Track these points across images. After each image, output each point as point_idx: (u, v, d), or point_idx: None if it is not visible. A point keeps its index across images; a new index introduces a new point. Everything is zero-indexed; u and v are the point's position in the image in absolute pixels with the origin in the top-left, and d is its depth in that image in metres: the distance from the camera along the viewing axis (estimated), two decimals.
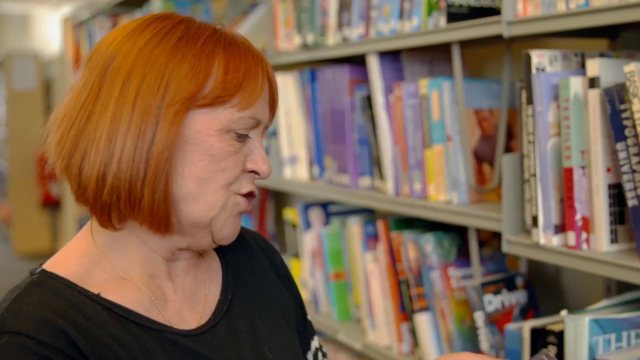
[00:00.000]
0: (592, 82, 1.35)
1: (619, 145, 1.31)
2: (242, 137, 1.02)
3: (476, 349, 1.79)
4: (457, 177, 1.76)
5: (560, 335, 1.41)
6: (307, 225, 2.42)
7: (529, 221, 1.51)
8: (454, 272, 1.90)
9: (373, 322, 2.11)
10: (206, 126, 0.99)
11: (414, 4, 1.81)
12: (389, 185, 1.95)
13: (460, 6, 1.71)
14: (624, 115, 1.30)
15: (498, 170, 1.70)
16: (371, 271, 2.09)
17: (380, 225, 2.04)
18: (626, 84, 1.26)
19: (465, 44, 1.80)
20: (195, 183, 1.00)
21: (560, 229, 1.45)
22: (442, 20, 1.72)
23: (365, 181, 2.10)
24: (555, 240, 1.45)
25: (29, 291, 0.98)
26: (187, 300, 1.08)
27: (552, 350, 1.44)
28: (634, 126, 1.26)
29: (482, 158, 1.79)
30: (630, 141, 1.29)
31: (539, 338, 1.47)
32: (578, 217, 1.40)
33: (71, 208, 5.95)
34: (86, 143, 0.97)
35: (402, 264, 1.95)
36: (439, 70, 2.02)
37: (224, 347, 1.06)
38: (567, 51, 1.49)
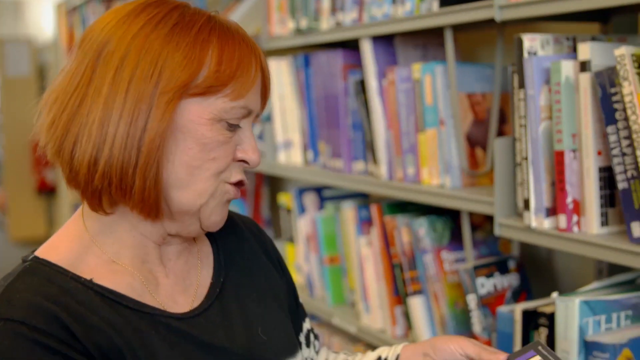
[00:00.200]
0: (583, 66, 1.36)
1: (610, 129, 1.32)
2: (233, 127, 1.03)
3: (469, 332, 1.80)
4: (450, 161, 1.77)
5: (551, 317, 1.42)
6: (302, 209, 2.43)
7: (520, 204, 1.52)
8: (447, 256, 1.91)
9: (367, 306, 2.12)
10: (198, 115, 1.00)
11: None
12: (383, 169, 1.96)
13: None
14: (614, 98, 1.30)
15: (490, 154, 1.70)
16: (365, 255, 2.10)
17: (374, 210, 2.04)
18: (617, 68, 1.27)
19: (458, 28, 1.80)
20: (186, 171, 1.00)
21: (552, 212, 1.46)
22: (435, 5, 1.72)
23: (359, 165, 2.10)
24: (547, 223, 1.46)
25: (21, 278, 0.98)
26: (179, 284, 1.09)
27: (543, 331, 1.45)
28: (624, 109, 1.27)
29: (475, 142, 1.79)
30: (620, 124, 1.30)
31: (531, 320, 1.49)
32: (569, 200, 1.41)
33: (66, 194, 5.94)
34: (78, 128, 0.97)
35: (396, 247, 1.96)
36: (432, 54, 2.02)
37: (217, 329, 1.07)
38: (559, 35, 1.50)
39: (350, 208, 2.17)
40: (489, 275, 1.76)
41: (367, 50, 1.95)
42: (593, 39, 1.48)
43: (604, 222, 1.39)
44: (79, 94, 0.98)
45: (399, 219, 1.95)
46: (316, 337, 1.34)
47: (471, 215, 1.86)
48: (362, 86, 2.02)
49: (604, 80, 1.32)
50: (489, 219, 1.82)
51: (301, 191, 2.44)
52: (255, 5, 2.86)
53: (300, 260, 2.46)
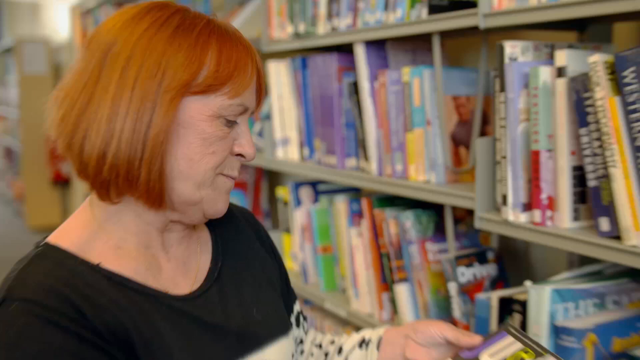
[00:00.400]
0: (560, 72, 1.36)
1: (583, 131, 1.33)
2: (230, 123, 1.04)
3: (449, 317, 1.81)
4: (436, 158, 1.78)
5: (524, 304, 1.44)
6: (298, 202, 2.43)
7: (499, 200, 1.52)
8: (431, 247, 1.92)
9: (356, 292, 2.12)
10: (199, 112, 1.00)
11: None
12: (373, 165, 1.96)
13: None
14: (587, 102, 1.31)
15: (473, 153, 1.71)
16: (355, 245, 2.10)
17: (364, 203, 2.05)
18: (590, 74, 1.27)
19: (445, 35, 1.80)
20: (187, 164, 1.01)
21: (528, 207, 1.47)
22: (424, 12, 1.72)
23: (351, 162, 2.11)
24: (523, 218, 1.47)
25: (34, 262, 0.99)
26: (180, 268, 1.09)
27: (517, 317, 1.47)
28: (596, 113, 1.28)
29: (459, 141, 1.80)
30: (592, 127, 1.31)
31: (506, 306, 1.50)
32: (544, 196, 1.42)
33: (80, 185, 5.94)
34: (87, 123, 0.98)
35: (384, 238, 1.97)
36: (420, 59, 2.03)
37: (215, 310, 1.08)
38: (538, 42, 1.50)
39: (343, 201, 2.17)
40: (469, 265, 1.77)
41: (361, 54, 1.95)
42: (570, 46, 1.49)
43: (576, 217, 1.40)
44: (87, 92, 0.98)
45: (387, 212, 1.96)
46: (305, 318, 1.34)
47: (454, 209, 1.86)
48: (355, 87, 2.02)
49: (579, 85, 1.32)
50: (471, 213, 1.83)
51: (297, 185, 2.44)
52: (256, 10, 2.86)
53: (295, 249, 2.46)
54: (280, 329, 1.16)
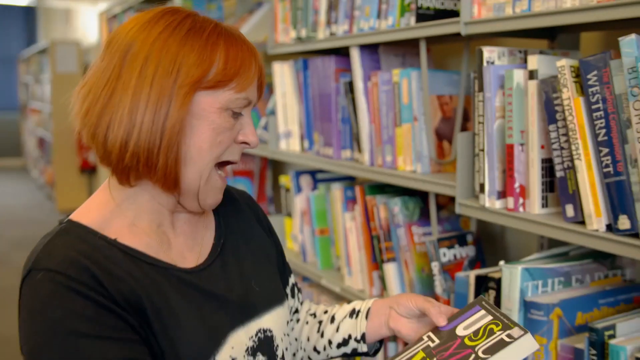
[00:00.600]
0: (531, 74, 1.36)
1: (551, 127, 1.33)
2: (236, 115, 1.04)
3: (432, 293, 1.82)
4: (421, 151, 1.78)
5: (498, 282, 1.44)
6: (298, 189, 2.43)
7: (477, 188, 1.52)
8: (417, 230, 1.92)
9: (350, 270, 2.13)
10: (209, 105, 1.01)
11: (390, 6, 1.81)
12: (366, 157, 1.96)
13: (428, 8, 1.72)
14: (555, 102, 1.31)
15: (455, 146, 1.72)
16: (349, 228, 2.11)
17: (357, 190, 2.05)
18: (558, 77, 1.28)
19: (431, 41, 1.80)
20: (197, 151, 1.01)
21: (502, 194, 1.47)
22: (412, 20, 1.72)
23: (346, 153, 2.11)
24: (498, 204, 1.47)
25: (58, 237, 0.99)
26: (187, 244, 1.10)
27: (492, 293, 1.47)
28: (563, 111, 1.28)
29: (443, 136, 1.80)
30: (560, 123, 1.31)
31: (482, 283, 1.50)
32: (516, 185, 1.42)
33: (105, 172, 5.94)
34: (110, 115, 0.98)
35: (375, 222, 1.97)
36: (409, 62, 2.02)
37: (218, 281, 1.08)
38: (513, 48, 1.51)
39: (338, 189, 2.18)
40: (450, 247, 1.78)
41: (356, 56, 1.95)
42: (541, 52, 1.50)
43: (545, 204, 1.40)
44: (109, 87, 0.99)
45: (378, 199, 1.96)
46: (299, 290, 1.35)
47: (437, 196, 1.87)
48: (350, 87, 2.02)
49: (548, 86, 1.33)
50: (452, 199, 1.84)
51: (298, 174, 2.44)
52: (263, 17, 2.86)
53: (296, 231, 2.47)
54: (276, 298, 1.16)
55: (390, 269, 1.93)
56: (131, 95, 0.97)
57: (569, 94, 1.25)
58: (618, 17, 1.18)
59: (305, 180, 2.45)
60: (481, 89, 1.46)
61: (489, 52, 1.47)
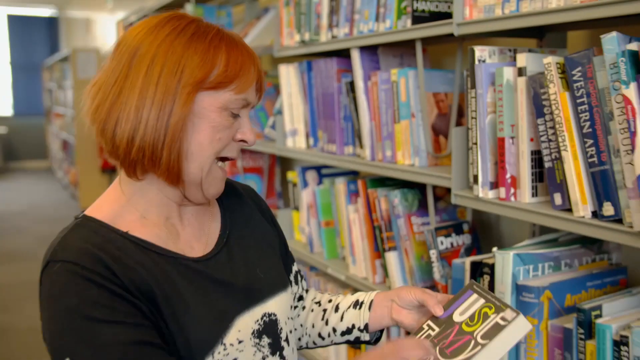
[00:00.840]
0: (520, 71, 1.37)
1: (539, 121, 1.33)
2: (234, 115, 1.05)
3: (431, 279, 1.83)
4: (419, 146, 1.79)
5: (492, 267, 1.44)
6: (305, 184, 2.44)
7: (471, 179, 1.53)
8: (416, 220, 1.93)
9: (354, 259, 2.14)
10: (210, 104, 1.01)
11: (387, 9, 1.82)
12: (367, 152, 1.97)
13: (423, 11, 1.73)
14: (543, 97, 1.32)
15: (450, 141, 1.72)
16: (353, 219, 2.11)
17: (360, 184, 2.06)
18: (545, 73, 1.28)
19: (426, 42, 1.81)
20: (198, 147, 1.01)
21: (495, 185, 1.48)
22: (408, 22, 1.73)
23: (349, 149, 2.11)
24: (491, 194, 1.48)
25: (74, 231, 1.00)
26: (194, 234, 1.10)
27: (486, 278, 1.48)
28: (550, 106, 1.28)
29: (439, 131, 1.81)
30: (547, 117, 1.32)
31: (477, 269, 1.51)
32: (508, 176, 1.42)
33: None
34: (118, 112, 0.99)
35: (376, 213, 1.98)
36: (406, 62, 2.03)
37: (225, 269, 1.09)
38: (503, 47, 1.51)
39: (342, 183, 2.18)
40: (447, 236, 1.78)
41: (356, 58, 1.96)
42: (529, 50, 1.50)
43: (534, 194, 1.41)
44: (118, 86, 0.99)
45: (379, 191, 1.97)
46: (302, 277, 1.36)
47: (435, 188, 1.88)
48: (351, 86, 2.02)
49: (536, 82, 1.33)
50: (449, 191, 1.85)
51: (304, 169, 2.45)
52: (270, 22, 2.87)
53: (303, 223, 2.47)
54: (279, 285, 1.17)
55: (391, 257, 1.94)
56: (138, 94, 0.98)
57: (555, 89, 1.26)
58: (600, 15, 1.19)
59: (311, 176, 2.45)
60: (473, 86, 1.47)
61: (481, 51, 1.47)
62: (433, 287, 1.84)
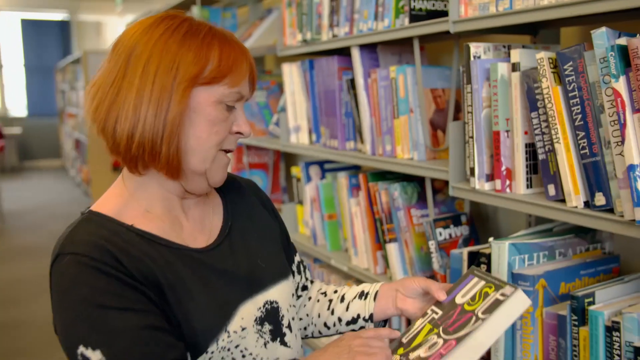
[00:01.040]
0: (514, 67, 1.37)
1: (533, 114, 1.33)
2: (229, 108, 1.05)
3: (430, 269, 1.83)
4: (418, 140, 1.79)
5: (489, 256, 1.44)
6: (308, 179, 2.45)
7: (468, 172, 1.53)
8: (415, 212, 1.93)
9: (356, 251, 2.14)
10: (205, 99, 1.02)
11: (386, 9, 1.82)
12: (368, 147, 1.97)
13: (420, 9, 1.72)
14: (536, 91, 1.32)
15: (448, 135, 1.72)
16: (354, 212, 2.12)
17: (361, 178, 2.06)
18: (538, 68, 1.28)
19: (424, 39, 1.81)
20: (196, 141, 1.02)
21: (491, 177, 1.47)
22: (406, 21, 1.73)
23: (350, 144, 2.12)
24: (487, 186, 1.48)
25: (81, 225, 1.01)
26: (197, 227, 1.11)
27: (483, 267, 1.48)
28: (543, 99, 1.28)
29: (437, 126, 1.81)
30: (540, 111, 1.31)
31: (474, 259, 1.51)
32: (503, 168, 1.42)
33: None
34: (118, 111, 0.99)
35: (377, 206, 1.98)
36: (405, 59, 2.03)
37: (227, 259, 1.10)
38: (498, 44, 1.50)
39: (344, 177, 2.19)
40: (446, 227, 1.79)
41: (356, 56, 1.96)
42: (523, 47, 1.49)
43: (529, 185, 1.41)
44: (116, 86, 1.00)
45: (379, 185, 1.97)
46: (305, 267, 1.36)
47: (433, 181, 1.88)
48: (352, 84, 2.03)
49: (529, 77, 1.33)
50: (447, 183, 1.84)
51: (308, 165, 2.46)
52: (273, 23, 2.88)
53: (307, 217, 2.48)
54: (281, 273, 1.18)
55: (392, 249, 1.94)
56: (135, 92, 0.99)
57: (548, 83, 1.26)
58: (590, 11, 1.18)
59: (314, 171, 2.46)
60: (469, 82, 1.46)
61: (476, 48, 1.47)
62: (432, 276, 1.84)
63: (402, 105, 1.80)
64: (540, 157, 1.33)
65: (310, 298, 1.36)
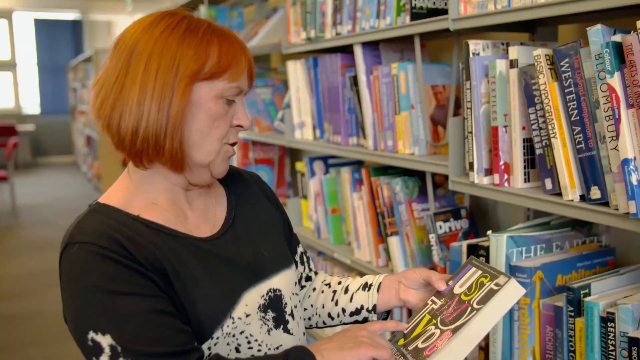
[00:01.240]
0: (512, 63, 1.37)
1: (530, 110, 1.33)
2: (229, 102, 1.06)
3: (430, 262, 1.84)
4: (419, 135, 1.79)
5: (487, 249, 1.45)
6: (312, 173, 2.45)
7: (467, 167, 1.53)
8: (416, 206, 1.93)
9: (358, 244, 2.15)
10: (206, 94, 1.02)
11: (388, 7, 1.82)
12: (370, 142, 1.97)
13: (421, 8, 1.72)
14: (534, 87, 1.31)
15: (448, 131, 1.72)
16: (357, 206, 2.12)
17: (363, 173, 2.06)
18: (535, 64, 1.28)
19: (425, 37, 1.81)
20: (199, 136, 1.03)
21: (489, 171, 1.48)
22: (407, 19, 1.73)
23: (353, 140, 2.12)
24: (486, 180, 1.48)
25: (88, 216, 1.02)
26: (201, 217, 1.12)
27: (482, 259, 1.48)
28: (540, 95, 1.28)
29: (437, 121, 1.81)
30: (538, 106, 1.31)
31: (473, 251, 1.52)
32: (501, 163, 1.42)
33: None
34: (122, 107, 1.00)
35: (379, 200, 1.98)
36: (406, 56, 2.03)
37: (231, 248, 1.11)
38: (496, 41, 1.50)
39: (347, 172, 2.19)
40: (446, 220, 1.79)
41: (359, 53, 1.96)
42: (521, 44, 1.49)
43: (527, 179, 1.41)
44: (119, 83, 1.01)
45: (381, 179, 1.97)
46: (308, 258, 1.37)
47: (434, 175, 1.88)
48: (355, 80, 2.03)
49: (527, 74, 1.33)
50: (447, 178, 1.84)
51: (312, 160, 2.46)
52: (278, 21, 2.88)
53: (311, 211, 2.49)
54: (283, 263, 1.18)
55: (393, 242, 1.95)
56: (138, 89, 0.99)
57: (545, 79, 1.26)
58: (586, 9, 1.18)
59: (318, 166, 2.46)
60: (468, 78, 1.47)
61: (474, 45, 1.47)
62: (432, 269, 1.84)
63: (403, 101, 1.81)
64: (538, 151, 1.33)
65: (314, 289, 1.36)
